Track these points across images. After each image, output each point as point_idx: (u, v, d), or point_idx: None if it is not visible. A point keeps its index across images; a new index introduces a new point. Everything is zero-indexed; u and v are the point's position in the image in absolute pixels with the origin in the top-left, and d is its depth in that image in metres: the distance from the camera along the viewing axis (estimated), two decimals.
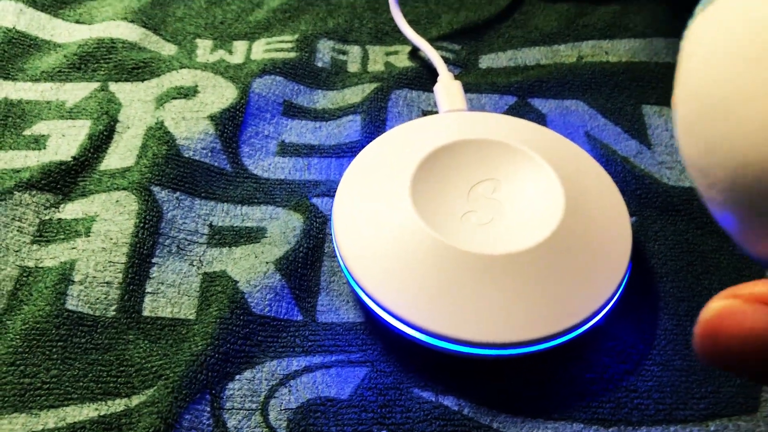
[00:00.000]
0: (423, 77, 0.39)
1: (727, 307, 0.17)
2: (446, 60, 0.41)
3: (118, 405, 0.27)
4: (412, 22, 0.43)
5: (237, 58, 0.41)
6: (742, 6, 0.16)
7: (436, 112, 0.37)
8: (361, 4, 0.45)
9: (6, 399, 0.26)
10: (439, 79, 0.38)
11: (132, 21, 0.42)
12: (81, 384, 0.27)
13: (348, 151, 0.35)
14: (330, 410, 0.27)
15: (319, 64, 0.41)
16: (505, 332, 0.27)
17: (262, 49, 0.41)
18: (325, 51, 0.42)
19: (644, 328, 0.29)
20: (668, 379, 0.28)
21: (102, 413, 0.27)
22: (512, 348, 0.27)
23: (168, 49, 0.41)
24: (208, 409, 0.27)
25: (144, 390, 0.27)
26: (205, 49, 0.42)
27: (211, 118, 0.36)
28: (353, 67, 0.41)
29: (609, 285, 0.28)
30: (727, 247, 0.32)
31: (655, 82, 0.40)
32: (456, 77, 0.39)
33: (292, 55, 0.40)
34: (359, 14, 0.44)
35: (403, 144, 0.32)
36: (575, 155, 0.32)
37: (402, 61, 0.41)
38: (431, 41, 0.42)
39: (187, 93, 0.37)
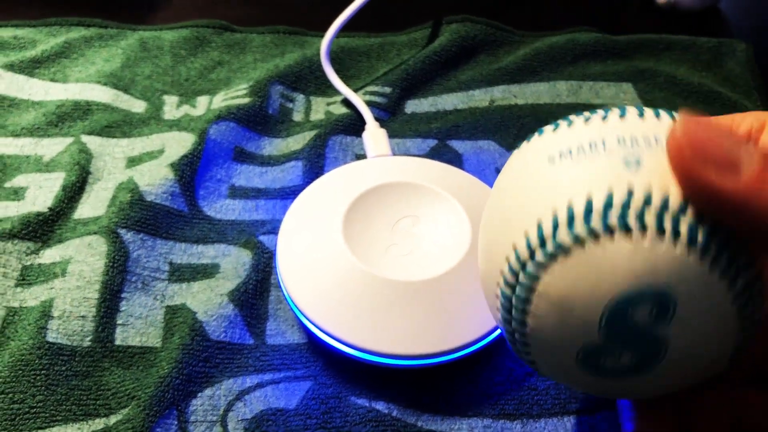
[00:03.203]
0: (356, 123, 0.42)
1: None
2: (377, 104, 0.43)
3: (97, 424, 0.29)
4: (353, 76, 0.46)
5: (199, 111, 0.42)
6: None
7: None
8: (310, 56, 0.47)
9: None
10: (366, 127, 0.40)
11: (105, 84, 0.43)
12: (64, 407, 0.29)
13: (291, 193, 0.37)
14: (280, 419, 0.29)
15: (270, 111, 0.43)
16: (424, 345, 0.29)
17: (221, 99, 0.43)
18: (275, 97, 0.44)
19: None
20: None
21: (84, 431, 0.29)
22: (431, 358, 0.29)
23: (138, 106, 0.43)
24: (176, 423, 0.29)
25: (120, 410, 0.29)
26: (171, 105, 0.43)
27: (171, 165, 0.37)
28: (298, 116, 0.43)
29: None
30: None
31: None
32: (385, 123, 0.42)
33: (246, 100, 0.42)
34: (309, 61, 0.46)
35: (336, 187, 0.34)
36: (482, 193, 0.35)
37: (339, 108, 0.43)
38: (365, 86, 0.44)
39: (156, 156, 0.39)
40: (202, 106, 0.43)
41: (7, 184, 0.37)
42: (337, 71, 0.45)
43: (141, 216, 0.35)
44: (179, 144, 0.39)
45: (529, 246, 0.20)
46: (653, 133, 0.20)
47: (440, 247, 0.32)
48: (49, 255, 0.34)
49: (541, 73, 0.46)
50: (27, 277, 0.33)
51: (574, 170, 0.20)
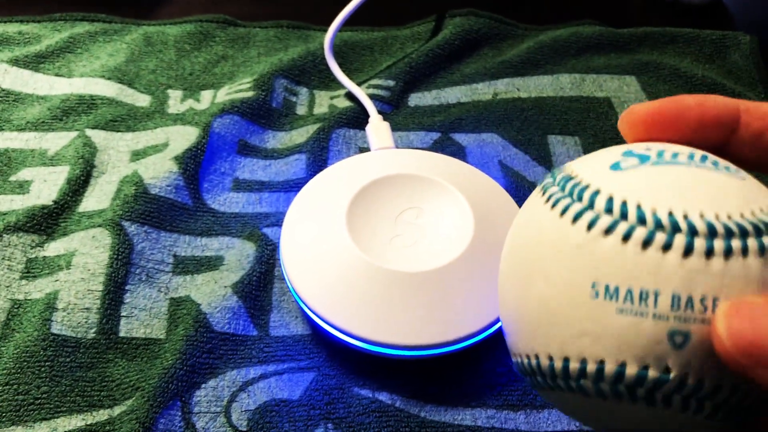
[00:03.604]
0: (359, 116, 0.41)
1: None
2: (381, 98, 0.43)
3: (102, 415, 0.29)
4: (356, 70, 0.46)
5: (203, 105, 0.42)
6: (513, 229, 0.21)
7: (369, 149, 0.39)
8: (313, 50, 0.47)
9: (3, 414, 0.28)
10: (369, 121, 0.40)
11: (109, 78, 0.43)
12: (68, 398, 0.29)
13: (295, 186, 0.37)
14: (283, 409, 0.29)
15: (273, 104, 0.43)
16: (427, 336, 0.29)
17: (225, 93, 0.43)
18: (279, 90, 0.44)
19: None
20: None
21: (88, 422, 0.28)
22: (434, 349, 0.29)
23: (142, 100, 0.43)
24: (180, 413, 0.29)
25: (124, 401, 0.29)
26: (176, 99, 0.43)
27: (175, 158, 0.37)
28: (301, 110, 0.43)
29: None
30: None
31: (560, 114, 0.43)
32: (388, 116, 0.42)
33: (250, 94, 0.42)
34: (312, 55, 0.46)
35: (339, 180, 0.34)
36: (485, 185, 0.34)
37: (343, 102, 0.43)
38: (369, 79, 0.44)
39: (160, 149, 0.39)
40: (206, 100, 0.43)
41: (12, 178, 0.37)
42: (341, 65, 0.45)
43: (145, 209, 0.35)
44: (183, 137, 0.39)
45: (552, 368, 0.18)
46: (713, 291, 0.16)
47: (443, 238, 0.31)
48: (54, 248, 0.34)
49: (545, 66, 0.46)
50: (32, 270, 0.33)
51: (615, 326, 0.17)
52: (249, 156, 0.39)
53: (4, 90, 0.43)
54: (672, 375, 0.17)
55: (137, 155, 0.39)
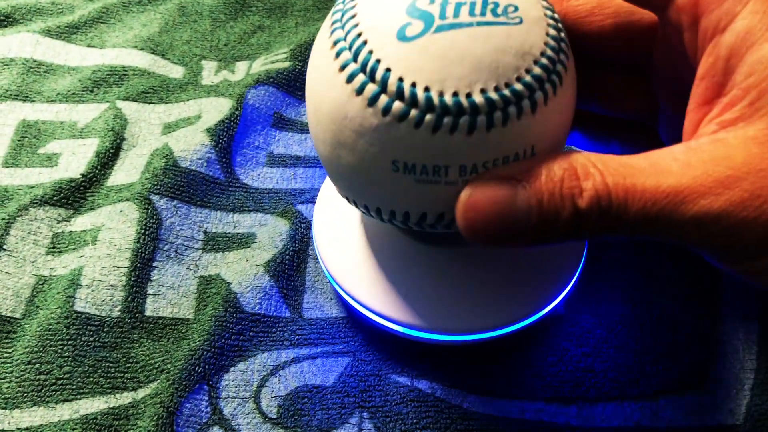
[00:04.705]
0: None
1: (477, 187, 0.20)
2: None
3: (125, 397, 0.28)
4: None
5: (238, 76, 0.41)
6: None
7: None
8: None
9: (25, 394, 0.27)
10: None
11: (142, 49, 0.42)
12: (91, 379, 0.28)
13: None
14: (316, 396, 0.28)
15: None
16: (471, 320, 0.27)
17: (260, 64, 0.42)
18: None
19: (601, 314, 0.30)
20: (623, 360, 0.29)
21: (111, 405, 0.27)
22: (477, 334, 0.27)
23: (176, 72, 0.41)
24: (206, 398, 0.27)
25: (148, 383, 0.28)
26: (210, 71, 0.42)
27: (207, 130, 0.36)
28: None
29: (564, 275, 0.28)
30: None
31: None
32: None
33: (287, 64, 0.40)
34: None
35: None
36: None
37: None
38: None
39: (192, 122, 0.37)
40: (241, 71, 0.41)
41: (41, 150, 0.36)
42: None
43: (175, 182, 0.33)
44: (216, 110, 0.38)
45: (368, 211, 0.24)
46: (482, 159, 0.21)
47: None
48: (81, 222, 0.33)
49: None
50: (57, 245, 0.32)
51: (415, 191, 0.21)
52: (284, 129, 0.38)
53: (36, 61, 0.41)
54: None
55: (169, 128, 0.37)
